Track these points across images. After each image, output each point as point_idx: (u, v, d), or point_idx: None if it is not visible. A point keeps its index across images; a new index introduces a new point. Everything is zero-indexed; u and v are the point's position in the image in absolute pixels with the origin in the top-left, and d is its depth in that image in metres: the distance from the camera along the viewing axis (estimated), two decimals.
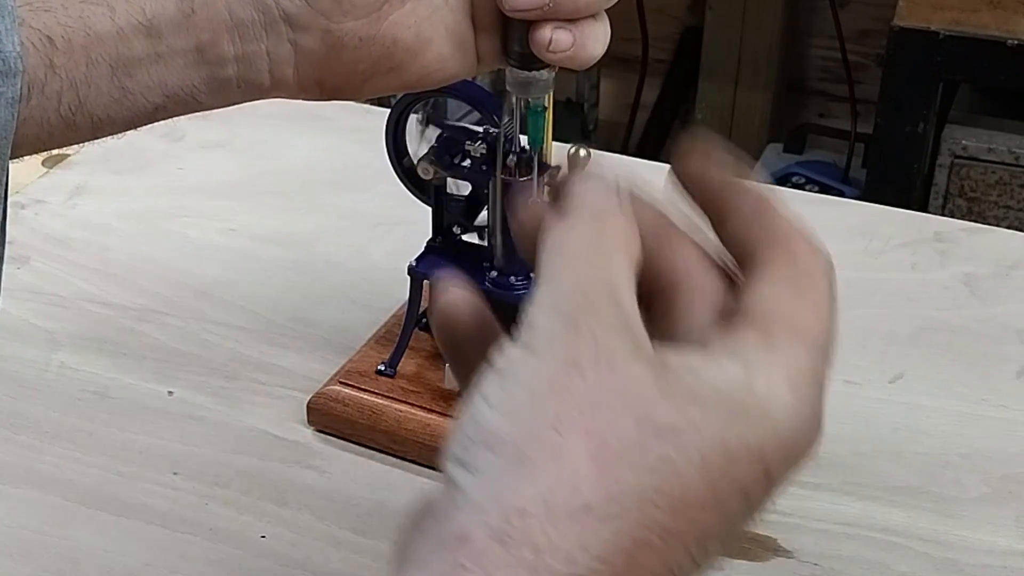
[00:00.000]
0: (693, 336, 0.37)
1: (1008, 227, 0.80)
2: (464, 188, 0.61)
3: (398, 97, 0.61)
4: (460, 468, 0.33)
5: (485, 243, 0.60)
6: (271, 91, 0.47)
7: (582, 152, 0.51)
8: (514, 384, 0.33)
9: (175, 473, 0.60)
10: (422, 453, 0.61)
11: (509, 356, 0.34)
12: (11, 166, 0.43)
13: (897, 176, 1.52)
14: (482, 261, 0.60)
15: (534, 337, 0.34)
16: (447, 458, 0.33)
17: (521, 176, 0.55)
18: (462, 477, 0.33)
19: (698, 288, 0.38)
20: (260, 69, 0.46)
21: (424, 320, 0.66)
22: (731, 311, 0.37)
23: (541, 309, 0.34)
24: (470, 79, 0.51)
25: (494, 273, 0.59)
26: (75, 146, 0.47)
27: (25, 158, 0.46)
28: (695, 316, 0.38)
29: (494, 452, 0.33)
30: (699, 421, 0.34)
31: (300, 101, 0.49)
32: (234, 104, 0.47)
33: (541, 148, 0.54)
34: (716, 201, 0.39)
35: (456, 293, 0.39)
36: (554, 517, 0.32)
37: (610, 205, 0.37)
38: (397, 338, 0.63)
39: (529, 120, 0.51)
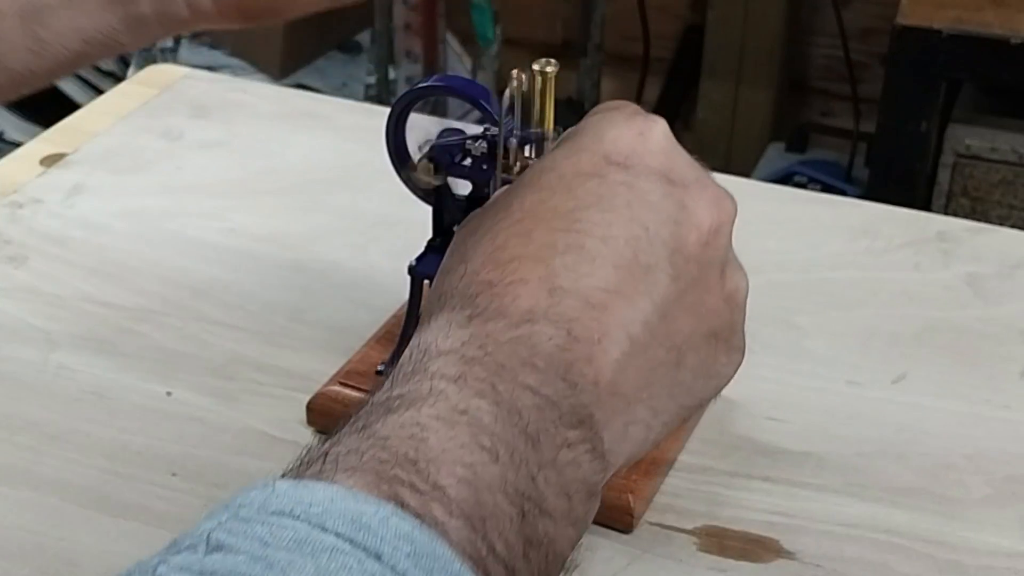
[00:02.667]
0: None
1: (1012, 227, 0.79)
2: (464, 188, 0.61)
3: (398, 96, 0.61)
4: None
5: None
6: (192, 22, 0.48)
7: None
8: None
9: (173, 474, 0.60)
10: None
11: None
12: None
13: (900, 175, 1.52)
14: None
15: None
16: None
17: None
18: None
19: None
20: (175, 1, 0.46)
21: None
22: None
23: None
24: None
25: None
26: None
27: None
28: None
29: None
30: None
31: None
32: (159, 40, 0.48)
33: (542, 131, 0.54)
34: None
35: None
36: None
37: None
38: (397, 338, 0.63)
39: (473, 14, 0.52)
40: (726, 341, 0.48)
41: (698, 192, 0.46)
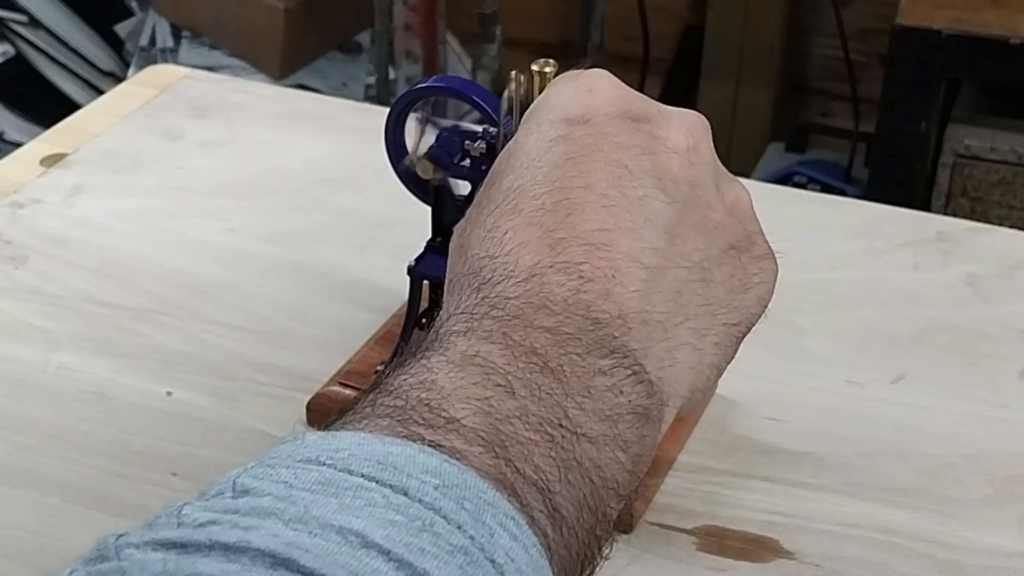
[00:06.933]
0: None
1: (1011, 227, 0.79)
2: (464, 188, 0.61)
3: (398, 96, 0.61)
4: None
5: None
6: None
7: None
8: None
9: (173, 474, 0.60)
10: None
11: None
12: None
13: (899, 175, 1.52)
14: None
15: None
16: None
17: None
18: None
19: None
20: None
21: (424, 320, 0.65)
22: None
23: None
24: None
25: None
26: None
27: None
28: None
29: None
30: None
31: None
32: None
33: None
34: None
35: None
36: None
37: None
38: (397, 338, 0.63)
39: None
40: (748, 251, 0.48)
41: (663, 121, 0.48)
